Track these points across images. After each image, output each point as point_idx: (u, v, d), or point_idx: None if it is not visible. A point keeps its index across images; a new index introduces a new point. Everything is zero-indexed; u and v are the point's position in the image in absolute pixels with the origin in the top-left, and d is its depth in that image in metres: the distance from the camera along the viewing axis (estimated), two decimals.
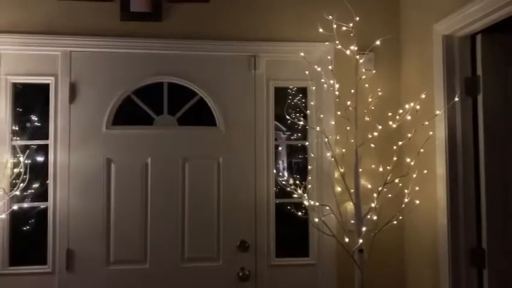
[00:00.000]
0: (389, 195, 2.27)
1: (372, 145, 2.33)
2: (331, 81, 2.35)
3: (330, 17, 2.28)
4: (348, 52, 2.29)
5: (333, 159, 2.31)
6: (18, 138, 2.49)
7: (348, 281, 2.37)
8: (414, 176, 2.27)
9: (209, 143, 2.61)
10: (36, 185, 2.51)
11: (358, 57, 2.28)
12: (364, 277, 2.19)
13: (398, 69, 2.67)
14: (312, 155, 2.61)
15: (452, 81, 2.21)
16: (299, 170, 2.73)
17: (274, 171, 2.62)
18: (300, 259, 2.64)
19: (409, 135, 2.25)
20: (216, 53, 2.62)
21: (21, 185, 2.40)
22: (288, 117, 2.57)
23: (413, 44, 2.57)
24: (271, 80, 2.66)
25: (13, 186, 2.43)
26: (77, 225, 2.48)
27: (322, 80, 2.46)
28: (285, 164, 2.78)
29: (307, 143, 2.68)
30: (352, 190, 2.24)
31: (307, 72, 2.44)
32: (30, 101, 2.59)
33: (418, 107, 2.25)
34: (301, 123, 2.53)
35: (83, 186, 2.50)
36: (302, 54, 2.43)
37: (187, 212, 2.56)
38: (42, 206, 2.51)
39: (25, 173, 2.42)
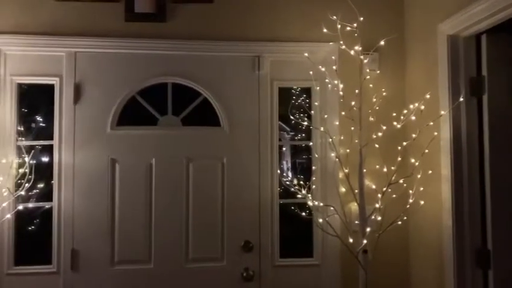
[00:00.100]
0: (394, 196, 2.27)
1: (376, 145, 2.33)
2: (336, 82, 2.35)
3: (334, 17, 2.28)
4: (352, 52, 2.29)
5: (337, 159, 2.31)
6: (23, 138, 2.50)
7: (352, 282, 2.36)
8: (419, 176, 2.27)
9: (213, 144, 2.61)
10: (41, 185, 2.52)
11: (362, 57, 2.28)
12: (368, 278, 2.19)
13: (403, 70, 2.67)
14: (316, 156, 2.60)
15: (457, 82, 2.20)
16: (303, 170, 2.73)
17: (278, 171, 2.61)
18: (304, 260, 2.64)
19: (414, 135, 2.24)
20: (220, 54, 2.62)
21: (26, 185, 2.41)
22: (292, 117, 2.57)
23: (417, 44, 2.56)
24: (275, 80, 2.66)
25: (18, 186, 2.44)
26: (81, 225, 2.48)
27: (327, 80, 2.46)
28: (289, 165, 2.78)
29: (311, 144, 2.67)
30: (356, 190, 2.24)
31: (311, 72, 2.44)
32: (35, 101, 2.60)
33: (422, 107, 2.25)
34: (305, 123, 2.54)
35: (88, 187, 2.51)
36: (306, 54, 2.43)
37: (192, 212, 2.57)
38: (47, 206, 2.52)
39: (30, 173, 2.43)
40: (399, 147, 2.31)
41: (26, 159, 2.44)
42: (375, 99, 2.38)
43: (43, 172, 2.52)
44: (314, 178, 2.55)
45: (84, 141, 2.52)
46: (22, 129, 2.52)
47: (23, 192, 2.42)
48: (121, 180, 2.54)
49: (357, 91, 2.26)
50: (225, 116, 2.62)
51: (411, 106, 2.33)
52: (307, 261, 2.63)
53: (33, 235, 2.56)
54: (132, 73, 2.58)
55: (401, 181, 2.23)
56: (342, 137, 2.48)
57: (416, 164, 2.26)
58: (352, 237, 2.25)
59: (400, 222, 2.25)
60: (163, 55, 2.59)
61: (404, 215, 2.26)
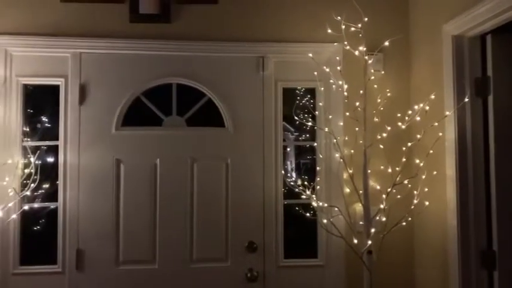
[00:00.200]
0: (398, 197, 2.26)
1: (381, 146, 2.32)
2: (340, 82, 2.35)
3: (339, 17, 2.28)
4: (356, 53, 2.29)
5: (341, 160, 2.31)
6: (28, 139, 2.51)
7: (356, 283, 2.36)
8: (423, 177, 2.26)
9: (217, 144, 2.62)
10: (46, 186, 2.53)
11: (367, 57, 2.28)
12: (373, 278, 2.18)
13: (408, 70, 2.66)
14: (321, 156, 2.60)
15: (462, 82, 2.19)
16: (307, 171, 2.73)
17: (283, 172, 2.61)
18: (309, 260, 2.63)
19: (419, 136, 2.24)
20: (225, 54, 2.62)
21: (32, 185, 2.42)
22: (296, 118, 2.57)
23: (422, 45, 2.55)
24: (280, 81, 2.66)
25: (24, 186, 2.45)
26: (86, 225, 2.49)
27: (331, 81, 2.46)
28: (293, 165, 2.78)
29: (315, 144, 2.67)
30: (360, 191, 2.24)
31: (315, 73, 2.44)
32: (40, 102, 2.61)
33: (427, 107, 2.24)
34: (310, 124, 2.54)
35: (93, 187, 2.52)
36: (310, 55, 2.43)
37: (196, 213, 2.57)
38: (52, 206, 2.53)
39: (35, 174, 2.44)
40: (404, 148, 2.30)
41: (32, 159, 2.45)
42: (379, 100, 2.38)
43: (48, 172, 2.53)
44: (318, 179, 2.55)
45: (89, 141, 2.53)
46: (28, 129, 2.53)
47: (28, 193, 2.43)
48: (126, 180, 2.54)
49: (361, 92, 2.26)
50: (229, 117, 2.62)
51: (416, 107, 2.33)
52: (311, 262, 2.63)
53: (38, 235, 2.57)
54: (137, 74, 2.59)
55: (406, 182, 2.23)
56: (347, 138, 2.48)
57: (421, 164, 2.26)
58: (357, 238, 2.24)
59: (404, 223, 2.24)
60: (168, 56, 2.60)
61: (409, 215, 2.26)
